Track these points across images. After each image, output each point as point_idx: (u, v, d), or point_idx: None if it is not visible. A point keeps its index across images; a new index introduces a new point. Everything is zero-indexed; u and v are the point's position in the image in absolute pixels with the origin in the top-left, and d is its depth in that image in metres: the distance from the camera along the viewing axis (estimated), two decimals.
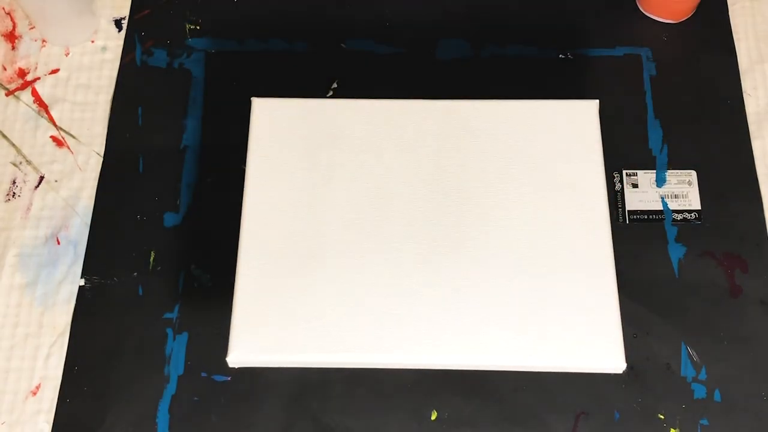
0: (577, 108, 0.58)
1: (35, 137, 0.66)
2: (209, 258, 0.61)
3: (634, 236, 0.61)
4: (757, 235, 0.61)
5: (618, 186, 0.62)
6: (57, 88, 0.68)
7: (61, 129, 0.66)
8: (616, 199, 0.62)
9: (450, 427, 0.55)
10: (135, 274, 0.61)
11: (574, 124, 0.58)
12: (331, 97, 0.66)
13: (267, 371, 0.56)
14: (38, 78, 0.68)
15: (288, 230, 0.55)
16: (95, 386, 0.57)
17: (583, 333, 0.52)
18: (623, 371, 0.52)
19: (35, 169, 0.65)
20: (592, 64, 0.67)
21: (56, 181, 0.64)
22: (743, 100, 0.66)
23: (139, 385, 0.57)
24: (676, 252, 0.60)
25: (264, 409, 0.56)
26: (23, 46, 0.69)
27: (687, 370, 0.57)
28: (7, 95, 0.67)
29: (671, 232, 0.61)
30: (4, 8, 0.71)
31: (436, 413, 0.56)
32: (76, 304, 0.60)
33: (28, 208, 0.63)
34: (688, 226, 0.61)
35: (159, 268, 0.61)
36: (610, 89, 0.66)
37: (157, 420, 0.56)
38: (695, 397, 0.56)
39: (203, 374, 0.57)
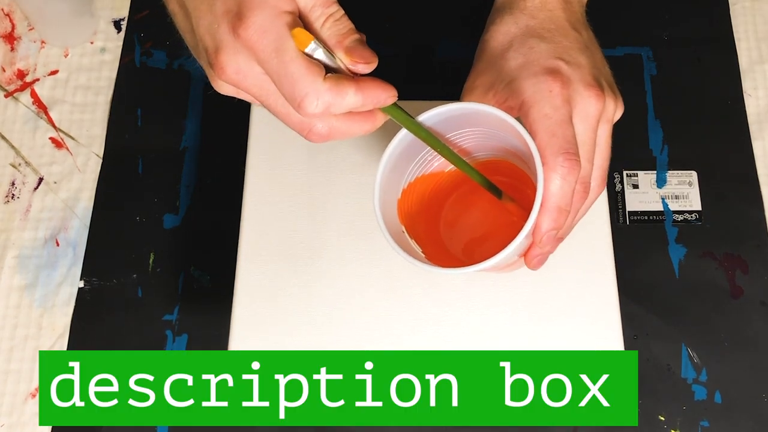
0: None
1: (34, 139, 0.66)
2: (209, 259, 0.61)
3: (634, 237, 0.61)
4: (757, 235, 0.61)
5: (618, 187, 0.62)
6: (56, 90, 0.67)
7: (61, 130, 0.66)
8: (616, 199, 0.62)
9: (449, 428, 0.55)
10: (134, 275, 0.60)
11: None
12: None
13: None
14: (37, 79, 0.68)
15: (287, 231, 0.55)
16: None
17: (583, 334, 0.51)
18: None
19: (34, 170, 0.65)
20: None
21: (55, 182, 0.64)
22: (743, 100, 0.65)
23: None
24: (676, 253, 0.60)
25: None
26: (22, 47, 0.69)
27: (687, 372, 0.57)
28: (6, 97, 0.67)
29: (671, 233, 0.61)
30: (3, 9, 0.71)
31: None
32: (75, 306, 0.60)
33: (28, 210, 0.63)
34: (688, 226, 0.61)
35: (158, 269, 0.61)
36: None
37: None
38: (696, 398, 0.56)
39: None
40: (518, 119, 0.42)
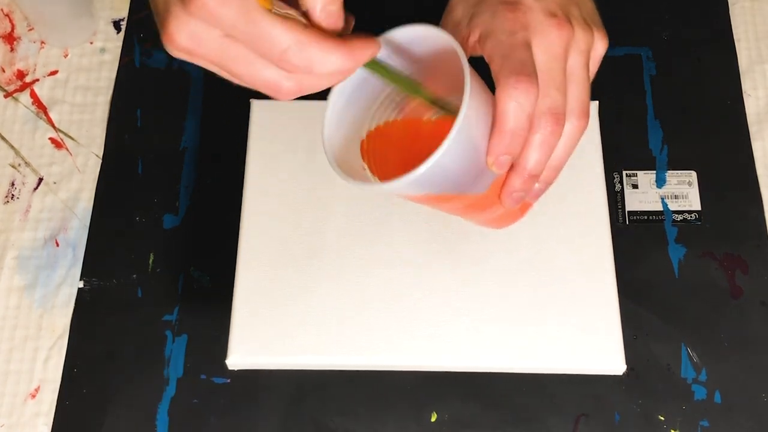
0: None
1: (34, 139, 0.66)
2: (209, 260, 0.61)
3: (634, 237, 0.61)
4: (757, 235, 0.61)
5: (618, 186, 0.62)
6: (56, 90, 0.67)
7: (60, 131, 0.66)
8: (615, 199, 0.62)
9: (450, 429, 0.55)
10: (134, 276, 0.60)
11: None
12: None
13: (266, 373, 0.56)
14: (37, 80, 0.68)
15: (287, 232, 0.55)
16: (94, 388, 0.57)
17: (583, 334, 0.52)
18: (623, 373, 0.52)
19: (34, 171, 0.65)
20: None
21: (55, 183, 0.64)
22: (743, 100, 0.65)
23: (139, 388, 0.57)
24: (676, 253, 0.60)
25: (264, 411, 0.56)
26: (22, 47, 0.69)
27: (687, 372, 0.56)
28: (5, 97, 0.67)
29: (671, 232, 0.61)
30: (2, 10, 0.71)
31: (435, 415, 0.56)
32: (75, 306, 0.60)
33: (27, 210, 0.63)
34: (688, 226, 0.61)
35: (158, 270, 0.61)
36: (610, 89, 0.66)
37: (156, 422, 0.56)
38: (695, 398, 0.56)
39: (203, 376, 0.57)
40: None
